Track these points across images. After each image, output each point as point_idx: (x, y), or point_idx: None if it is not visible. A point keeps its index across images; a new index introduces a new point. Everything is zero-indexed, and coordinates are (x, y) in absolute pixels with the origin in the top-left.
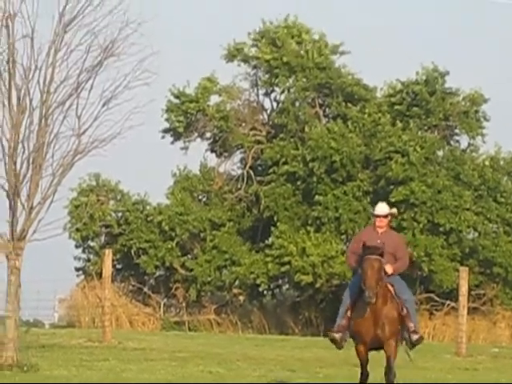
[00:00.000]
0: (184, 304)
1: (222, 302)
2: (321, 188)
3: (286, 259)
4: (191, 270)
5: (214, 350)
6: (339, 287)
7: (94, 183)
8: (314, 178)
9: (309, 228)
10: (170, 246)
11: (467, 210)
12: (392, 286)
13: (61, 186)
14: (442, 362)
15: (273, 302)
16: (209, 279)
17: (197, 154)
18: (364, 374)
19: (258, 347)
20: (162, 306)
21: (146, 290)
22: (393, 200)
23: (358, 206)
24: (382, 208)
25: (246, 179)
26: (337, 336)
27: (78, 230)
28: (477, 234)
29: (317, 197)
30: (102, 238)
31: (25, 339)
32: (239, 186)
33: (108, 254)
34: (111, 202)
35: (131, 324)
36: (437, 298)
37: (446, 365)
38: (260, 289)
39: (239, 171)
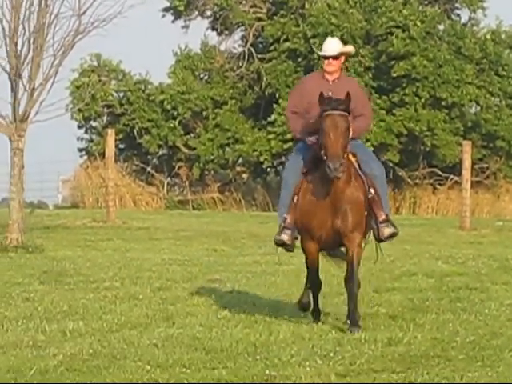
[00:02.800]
0: (187, 183)
1: (225, 180)
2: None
3: (289, 136)
4: (194, 149)
5: (218, 228)
6: None
7: (95, 63)
8: (315, 55)
9: None
10: (172, 125)
11: (469, 83)
12: (355, 156)
13: (62, 66)
14: (446, 237)
15: (276, 179)
16: (212, 157)
17: (197, 33)
18: (314, 285)
19: (262, 224)
20: (165, 185)
21: (149, 169)
22: (394, 75)
23: (359, 81)
24: (331, 45)
25: (247, 57)
26: (285, 238)
27: (80, 110)
28: (479, 108)
29: None
30: (105, 119)
31: (29, 221)
32: (240, 64)
33: (111, 133)
34: (113, 82)
35: (135, 204)
36: (440, 173)
37: (450, 239)
38: (263, 166)
39: (240, 49)
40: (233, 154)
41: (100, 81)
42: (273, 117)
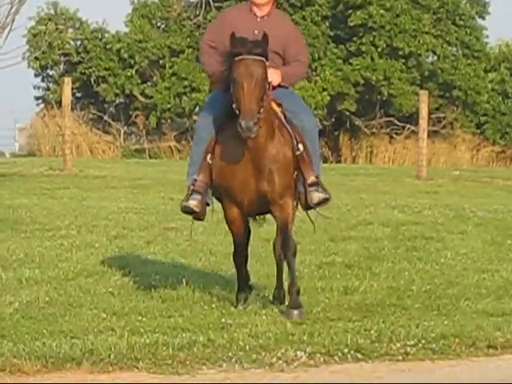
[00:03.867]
0: (144, 132)
1: (182, 128)
2: None
3: None
4: (151, 98)
5: (175, 176)
6: None
7: (52, 12)
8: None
9: None
10: (129, 74)
11: (426, 33)
12: (280, 106)
13: (19, 14)
14: (403, 186)
15: None
16: (168, 106)
17: None
18: (239, 256)
19: None
20: (122, 133)
21: (106, 118)
22: (351, 24)
23: (316, 30)
24: None
25: (204, 5)
26: (193, 204)
27: (36, 58)
28: (436, 58)
29: None
30: (61, 67)
31: None
32: (198, 13)
33: (67, 82)
34: (70, 31)
35: (92, 152)
36: (397, 122)
37: (407, 189)
38: None
39: None
40: (189, 103)
41: (57, 29)
42: None
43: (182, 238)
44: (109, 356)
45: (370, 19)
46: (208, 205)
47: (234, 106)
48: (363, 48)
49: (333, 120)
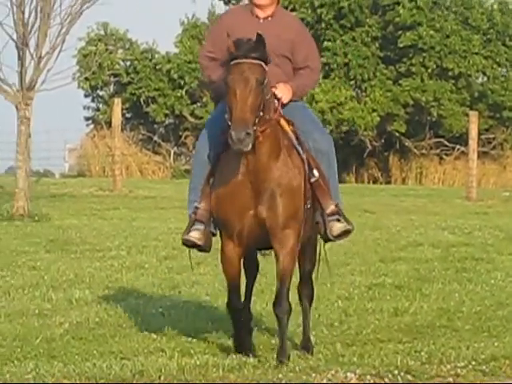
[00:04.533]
0: (194, 152)
1: None
2: (329, 34)
3: None
4: (201, 118)
5: None
6: (348, 133)
7: (102, 32)
8: (323, 25)
9: None
10: (179, 95)
11: (476, 54)
12: (291, 124)
13: (69, 35)
14: (453, 207)
15: None
16: None
17: (205, 2)
18: (233, 302)
19: None
20: (171, 154)
21: (155, 138)
22: (401, 45)
23: (366, 51)
24: None
25: None
26: (195, 236)
27: (86, 79)
28: (486, 79)
29: (325, 43)
30: (111, 87)
31: (35, 189)
32: None
33: (117, 103)
34: (120, 51)
35: (141, 173)
36: (447, 143)
37: (457, 210)
38: None
39: None
40: None
41: (107, 50)
42: None
43: None
44: (159, 377)
45: (419, 40)
46: (214, 235)
47: (226, 116)
48: (413, 69)
49: (382, 141)
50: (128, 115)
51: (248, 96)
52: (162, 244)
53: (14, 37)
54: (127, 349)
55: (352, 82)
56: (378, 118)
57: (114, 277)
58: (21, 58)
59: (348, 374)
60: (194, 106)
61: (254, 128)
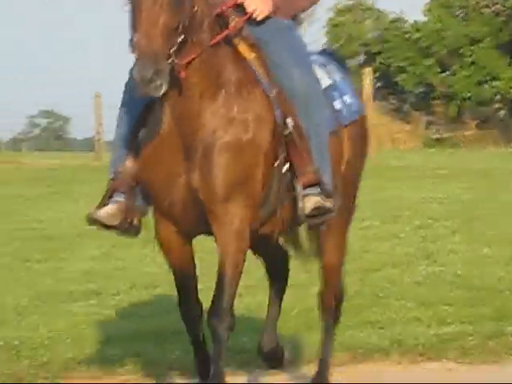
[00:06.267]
0: (444, 121)
1: (482, 117)
2: None
3: None
4: (450, 87)
5: (475, 165)
6: None
7: (350, 2)
8: None
9: None
10: (428, 63)
11: None
12: (255, 48)
13: (318, 5)
14: None
15: None
16: (469, 95)
17: None
18: (183, 305)
19: None
20: (422, 123)
21: (406, 108)
22: None
23: None
24: None
25: None
26: (104, 214)
27: (336, 49)
28: None
29: None
30: (361, 58)
31: None
32: (496, 1)
33: (368, 72)
34: (368, 21)
35: (393, 142)
36: None
37: None
38: None
39: None
40: (490, 91)
41: (356, 20)
42: None
43: (486, 227)
44: (416, 346)
45: None
46: (145, 213)
47: (128, 44)
48: None
49: None
50: (378, 85)
51: (158, 12)
52: (415, 213)
53: None
54: (385, 318)
55: None
56: None
57: (368, 246)
58: None
59: None
60: (444, 74)
61: (171, 60)
